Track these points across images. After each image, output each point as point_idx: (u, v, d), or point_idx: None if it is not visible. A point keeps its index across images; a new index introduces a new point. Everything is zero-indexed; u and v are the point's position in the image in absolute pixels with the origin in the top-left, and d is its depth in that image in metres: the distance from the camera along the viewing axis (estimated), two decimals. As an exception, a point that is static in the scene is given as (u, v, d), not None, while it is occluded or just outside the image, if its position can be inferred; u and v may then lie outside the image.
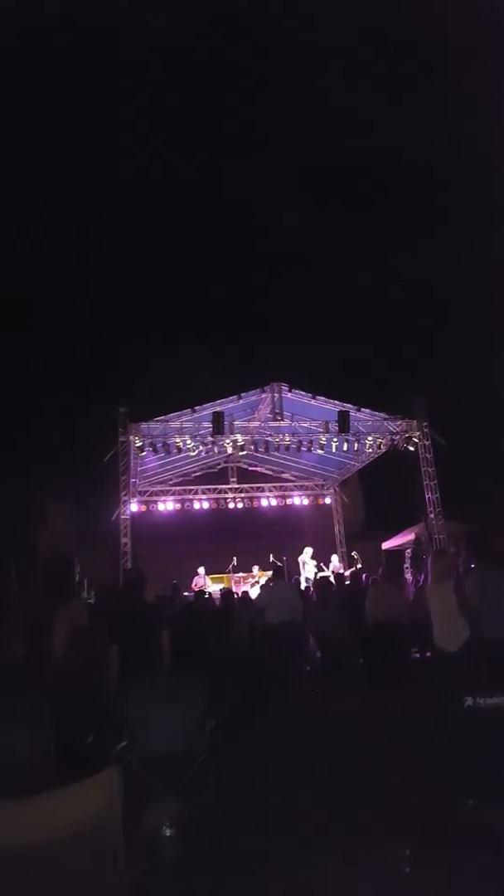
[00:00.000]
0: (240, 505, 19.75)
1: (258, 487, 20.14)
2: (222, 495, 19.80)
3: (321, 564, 16.04)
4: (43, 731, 3.65)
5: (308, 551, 16.38)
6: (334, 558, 17.37)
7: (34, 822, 2.02)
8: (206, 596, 11.70)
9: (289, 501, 20.34)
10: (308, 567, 15.96)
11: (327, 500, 20.93)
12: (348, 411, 14.66)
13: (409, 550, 16.12)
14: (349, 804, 3.91)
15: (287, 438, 15.19)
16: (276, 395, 14.72)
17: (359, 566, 15.65)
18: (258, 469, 20.04)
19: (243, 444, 15.36)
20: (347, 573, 14.78)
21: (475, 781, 3.30)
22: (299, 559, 16.22)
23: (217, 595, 12.99)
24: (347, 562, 17.17)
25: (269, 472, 20.18)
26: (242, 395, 14.84)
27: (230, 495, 19.78)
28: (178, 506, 19.25)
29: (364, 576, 13.15)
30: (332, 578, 11.81)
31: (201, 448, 15.24)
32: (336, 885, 3.12)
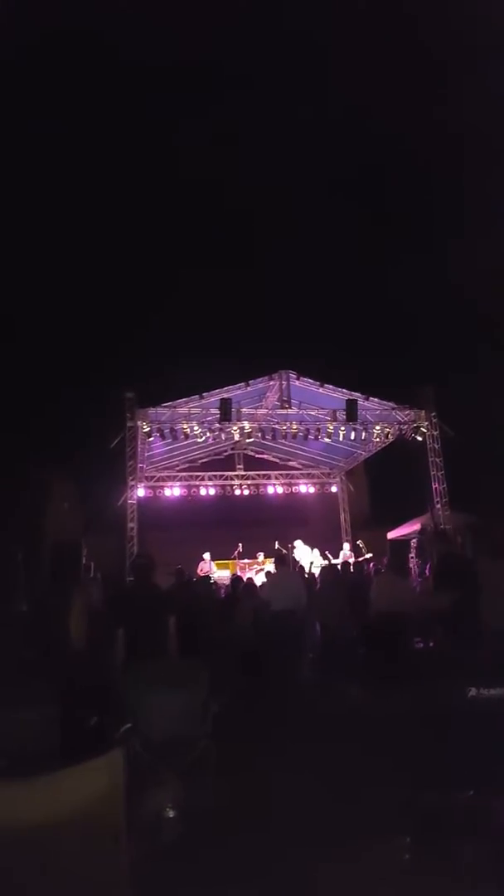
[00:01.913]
0: (246, 492, 19.79)
1: (264, 475, 20.15)
2: (229, 482, 19.84)
3: (326, 553, 16.02)
4: (49, 711, 3.69)
5: (298, 544, 16.21)
6: (345, 546, 17.35)
7: (38, 802, 2.04)
8: (211, 582, 11.76)
9: (295, 489, 20.36)
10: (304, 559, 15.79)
11: (333, 489, 20.94)
12: (356, 400, 14.61)
13: (414, 540, 16.11)
14: (349, 792, 3.93)
15: (294, 426, 15.17)
16: (283, 382, 14.70)
17: (367, 555, 15.65)
18: (265, 456, 20.05)
19: (250, 432, 15.36)
20: (353, 562, 14.78)
21: (477, 772, 3.32)
22: (294, 555, 16.01)
23: (223, 581, 13.06)
24: (355, 551, 17.19)
25: (276, 460, 20.19)
26: (250, 382, 14.82)
27: (236, 482, 19.82)
28: (185, 492, 19.31)
29: (372, 565, 13.16)
30: (338, 567, 11.84)
31: (208, 434, 15.25)
32: (336, 872, 3.15)
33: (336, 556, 16.04)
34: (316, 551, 16.05)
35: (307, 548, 15.90)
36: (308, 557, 15.35)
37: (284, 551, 14.03)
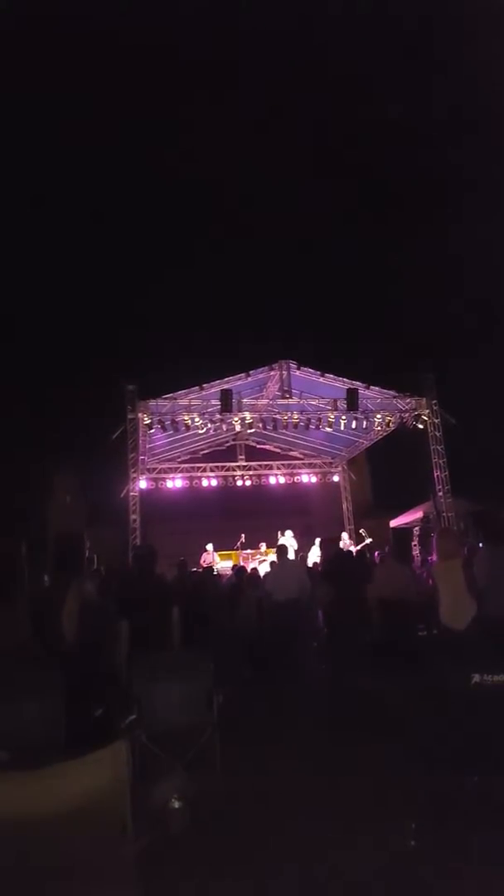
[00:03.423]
0: (248, 482, 19.81)
1: (266, 465, 20.16)
2: (230, 473, 19.85)
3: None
4: (53, 703, 3.70)
5: (288, 534, 16.18)
6: (344, 536, 17.37)
7: (44, 794, 2.05)
8: (215, 573, 11.78)
9: (297, 479, 20.38)
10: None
11: (335, 478, 20.94)
12: (357, 389, 14.59)
13: (417, 528, 16.13)
14: (355, 779, 3.95)
15: (295, 416, 15.15)
16: (284, 372, 14.67)
17: (367, 542, 15.64)
18: (266, 447, 20.05)
19: (251, 422, 15.34)
20: (355, 550, 14.79)
21: (481, 757, 3.33)
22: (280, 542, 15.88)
23: (225, 572, 13.07)
24: (356, 539, 17.20)
25: (278, 450, 20.19)
26: (251, 372, 14.79)
27: (238, 473, 19.83)
28: (187, 483, 19.33)
29: (377, 553, 13.16)
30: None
31: (209, 426, 15.24)
32: (341, 859, 3.16)
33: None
34: (318, 540, 16.05)
35: (293, 540, 15.89)
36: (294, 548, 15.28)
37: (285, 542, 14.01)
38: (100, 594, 6.76)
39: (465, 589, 5.29)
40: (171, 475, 19.25)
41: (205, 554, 15.87)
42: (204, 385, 14.64)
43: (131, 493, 15.23)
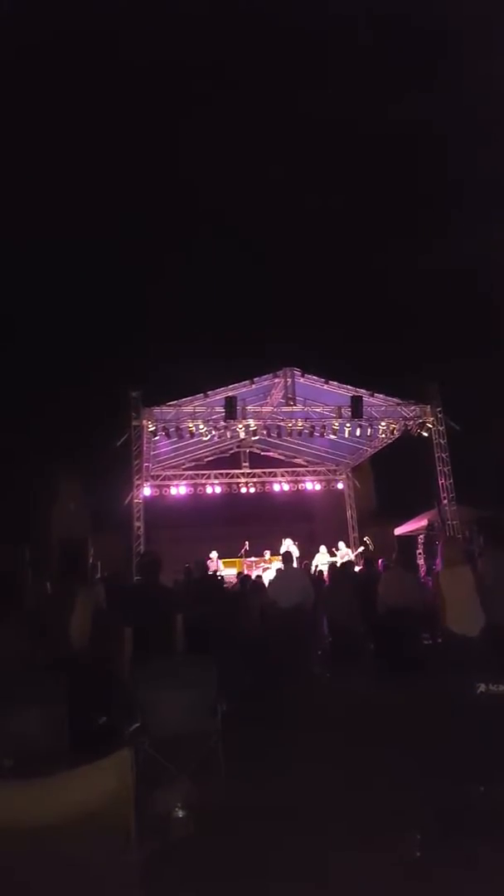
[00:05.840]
0: (252, 490, 19.78)
1: (270, 472, 20.14)
2: (235, 480, 19.83)
3: (333, 550, 16.01)
4: (57, 711, 3.69)
5: (288, 541, 16.16)
6: (341, 545, 17.35)
7: (48, 802, 2.05)
8: (219, 580, 11.77)
9: (301, 486, 20.34)
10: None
11: (340, 486, 20.90)
12: (361, 396, 14.58)
13: (421, 536, 16.08)
14: (359, 788, 3.92)
15: (300, 423, 15.15)
16: (288, 379, 14.68)
17: (360, 551, 15.63)
18: (270, 454, 20.03)
19: (256, 429, 15.34)
20: (356, 557, 14.78)
21: (487, 767, 3.31)
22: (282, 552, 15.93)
23: (230, 579, 13.06)
24: (359, 547, 17.16)
25: (282, 457, 20.17)
26: (255, 379, 14.80)
27: (242, 480, 19.81)
28: (191, 490, 19.32)
29: (381, 561, 13.16)
30: (346, 564, 11.83)
31: (214, 433, 15.23)
32: (345, 869, 3.14)
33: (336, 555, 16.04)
34: (323, 548, 16.05)
35: (295, 547, 15.86)
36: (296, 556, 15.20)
37: (289, 550, 13.99)
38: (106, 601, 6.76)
39: (474, 596, 5.28)
40: (176, 482, 19.24)
41: (209, 561, 15.84)
42: (208, 392, 14.66)
43: (135, 500, 15.23)
